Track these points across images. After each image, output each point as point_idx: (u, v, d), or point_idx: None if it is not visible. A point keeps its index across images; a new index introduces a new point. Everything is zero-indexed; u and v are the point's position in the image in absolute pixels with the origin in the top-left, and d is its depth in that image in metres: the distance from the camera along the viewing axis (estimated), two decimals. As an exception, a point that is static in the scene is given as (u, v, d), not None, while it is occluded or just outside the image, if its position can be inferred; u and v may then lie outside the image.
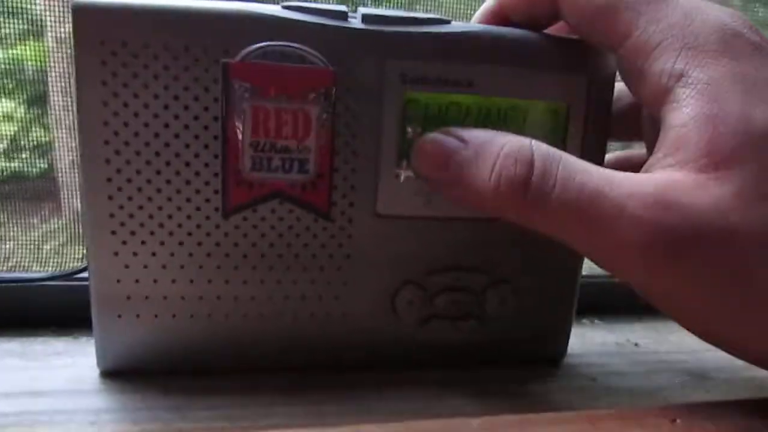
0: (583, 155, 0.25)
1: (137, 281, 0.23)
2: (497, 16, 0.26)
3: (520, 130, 0.24)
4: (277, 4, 0.23)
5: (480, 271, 0.26)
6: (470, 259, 0.26)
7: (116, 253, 0.23)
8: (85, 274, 0.25)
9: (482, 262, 0.26)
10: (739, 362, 0.21)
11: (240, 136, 0.22)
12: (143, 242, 0.23)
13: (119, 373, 0.24)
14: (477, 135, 0.22)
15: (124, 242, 0.23)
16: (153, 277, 0.23)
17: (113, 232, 0.23)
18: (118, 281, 0.23)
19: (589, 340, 0.32)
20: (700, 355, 0.30)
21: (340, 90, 0.23)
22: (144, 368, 0.24)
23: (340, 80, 0.23)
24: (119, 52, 0.21)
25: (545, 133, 0.25)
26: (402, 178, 0.24)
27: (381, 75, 0.23)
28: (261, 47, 0.22)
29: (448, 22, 0.24)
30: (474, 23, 0.25)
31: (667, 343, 0.32)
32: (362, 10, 0.23)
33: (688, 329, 0.21)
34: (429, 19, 0.24)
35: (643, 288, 0.21)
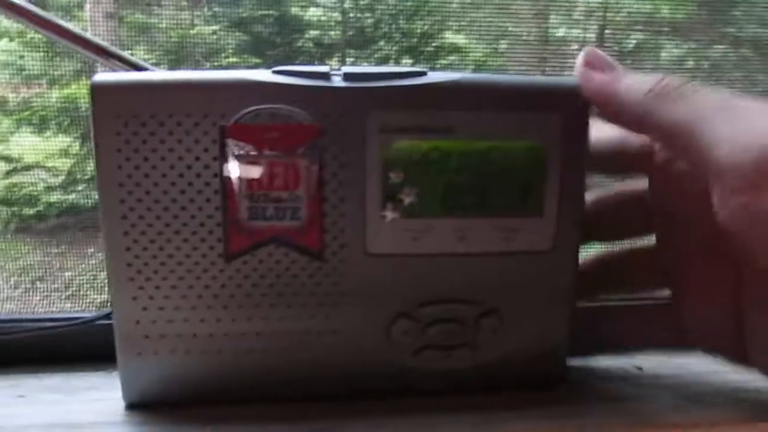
0: (562, 191, 0.26)
1: (154, 322, 0.26)
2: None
3: (499, 170, 0.26)
4: (269, 68, 0.25)
5: (470, 302, 0.27)
6: (459, 291, 0.27)
7: (134, 298, 0.26)
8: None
9: (471, 293, 0.27)
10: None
11: (237, 190, 0.25)
12: (157, 287, 0.26)
13: (142, 405, 0.27)
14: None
15: (141, 287, 0.26)
16: (168, 317, 0.26)
17: (131, 279, 0.25)
18: (137, 322, 0.26)
19: (592, 363, 0.33)
20: (702, 378, 0.31)
21: (326, 142, 0.25)
22: (164, 400, 0.27)
23: (326, 134, 0.25)
24: (130, 123, 0.24)
25: (525, 170, 0.26)
26: (388, 219, 0.26)
27: (363, 126, 0.25)
28: (252, 110, 0.24)
29: (424, 73, 0.26)
30: (449, 72, 0.27)
31: (671, 366, 0.32)
32: (345, 68, 0.25)
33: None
34: (406, 72, 0.26)
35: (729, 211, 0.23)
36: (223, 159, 0.25)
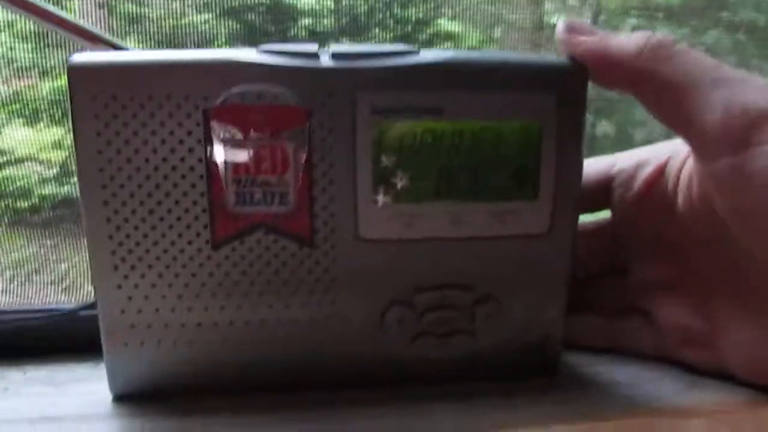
0: (558, 172, 0.26)
1: (140, 311, 0.25)
2: None
3: (493, 151, 0.25)
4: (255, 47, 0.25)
5: (465, 288, 0.27)
6: (454, 276, 0.27)
7: (119, 287, 0.25)
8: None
9: (466, 278, 0.27)
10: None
11: (223, 174, 0.24)
12: (143, 276, 0.25)
13: (129, 397, 0.26)
14: None
15: (126, 276, 0.25)
16: (154, 307, 0.25)
17: (115, 268, 0.25)
18: (123, 312, 0.25)
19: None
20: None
21: (315, 125, 0.24)
22: (151, 391, 0.26)
23: (314, 116, 0.24)
24: (110, 105, 0.23)
25: (519, 152, 0.26)
26: (380, 203, 0.25)
27: (353, 108, 0.24)
28: (237, 91, 0.23)
29: (416, 52, 0.25)
30: (442, 51, 0.26)
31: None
32: (333, 48, 0.24)
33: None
34: (397, 51, 0.25)
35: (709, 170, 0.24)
36: (207, 142, 0.24)
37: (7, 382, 0.28)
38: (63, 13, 0.26)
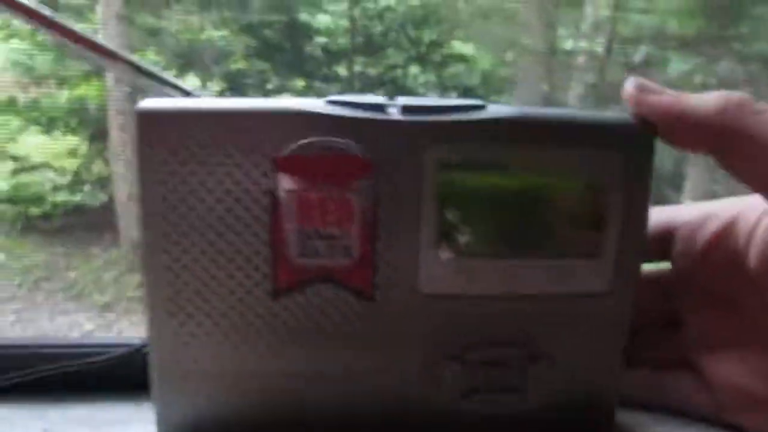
0: (623, 232, 0.25)
1: (195, 359, 0.25)
2: None
3: (556, 209, 0.25)
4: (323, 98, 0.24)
5: (520, 346, 0.26)
6: (510, 333, 0.26)
7: (175, 333, 0.24)
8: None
9: (521, 336, 0.26)
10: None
11: (287, 225, 0.24)
12: (199, 324, 0.24)
13: (178, 444, 0.26)
14: None
15: (182, 324, 0.24)
16: (209, 355, 0.25)
17: (172, 314, 0.24)
18: (177, 359, 0.25)
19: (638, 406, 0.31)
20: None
21: (381, 178, 0.24)
22: (201, 439, 0.26)
23: (381, 169, 0.24)
24: (177, 153, 0.23)
25: (583, 210, 0.25)
26: (443, 258, 0.25)
27: (419, 162, 0.24)
28: (305, 142, 0.23)
29: (483, 106, 0.25)
30: (508, 106, 0.25)
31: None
32: (401, 100, 0.24)
33: None
34: (465, 105, 0.25)
35: None
36: (273, 192, 0.23)
37: (47, 422, 0.28)
38: (132, 57, 0.25)
